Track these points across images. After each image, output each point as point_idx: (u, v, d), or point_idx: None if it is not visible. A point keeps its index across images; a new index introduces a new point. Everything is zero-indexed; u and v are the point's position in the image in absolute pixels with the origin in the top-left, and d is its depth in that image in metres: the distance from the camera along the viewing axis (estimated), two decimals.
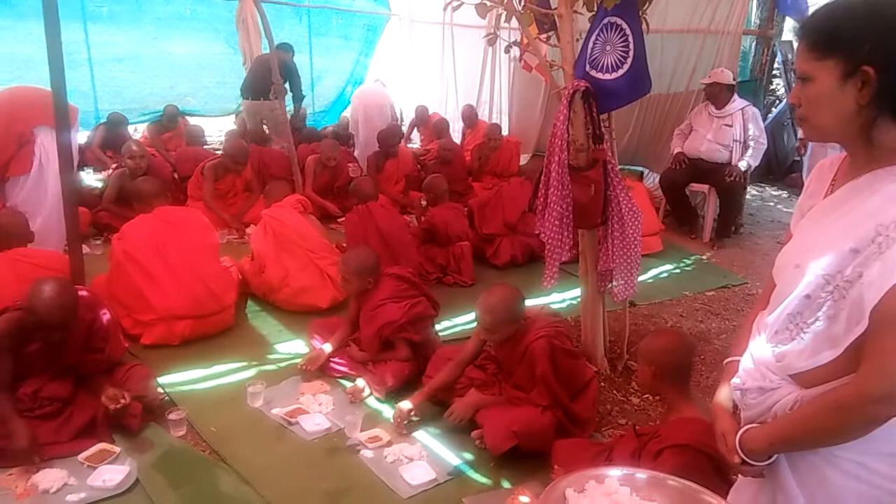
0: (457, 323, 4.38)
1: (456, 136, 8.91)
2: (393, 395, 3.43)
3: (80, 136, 6.67)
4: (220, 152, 6.80)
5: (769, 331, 1.49)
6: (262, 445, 3.06)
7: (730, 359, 1.70)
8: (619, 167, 3.58)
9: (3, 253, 3.62)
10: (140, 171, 5.58)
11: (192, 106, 9.27)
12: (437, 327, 4.04)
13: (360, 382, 3.50)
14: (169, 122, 8.18)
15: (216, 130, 9.83)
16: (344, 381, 3.60)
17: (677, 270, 5.70)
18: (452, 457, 2.99)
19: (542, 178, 3.46)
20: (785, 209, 8.06)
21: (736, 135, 6.14)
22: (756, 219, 7.50)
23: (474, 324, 3.31)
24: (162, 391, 3.41)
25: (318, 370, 3.63)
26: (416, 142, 9.70)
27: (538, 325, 3.12)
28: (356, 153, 8.05)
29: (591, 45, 3.33)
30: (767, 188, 9.06)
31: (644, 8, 3.41)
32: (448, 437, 3.12)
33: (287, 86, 6.87)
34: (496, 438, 2.91)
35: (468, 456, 3.01)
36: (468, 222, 5.58)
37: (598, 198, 3.41)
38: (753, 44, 7.15)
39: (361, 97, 8.64)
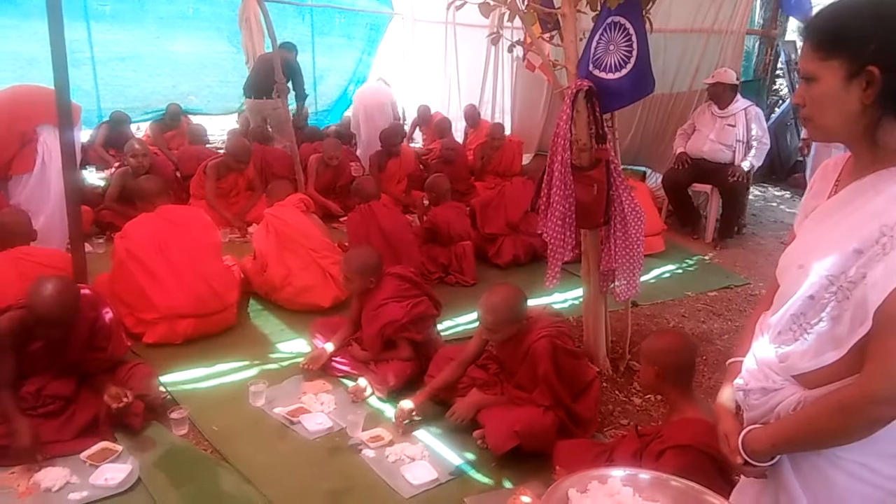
0: (459, 323, 4.38)
1: (458, 136, 8.91)
2: (395, 395, 3.43)
3: (83, 135, 6.68)
4: (222, 151, 6.81)
5: (772, 331, 1.49)
6: (264, 445, 3.06)
7: (732, 359, 1.70)
8: (622, 167, 3.57)
9: (5, 251, 3.63)
10: (143, 170, 5.59)
11: (195, 105, 9.29)
12: (439, 327, 4.04)
13: (362, 382, 3.50)
14: (171, 121, 8.19)
15: (219, 129, 9.84)
16: (346, 381, 3.60)
17: (679, 271, 5.69)
18: (454, 457, 2.99)
19: (545, 177, 3.45)
20: (788, 209, 8.04)
21: (739, 135, 6.13)
22: (759, 219, 7.49)
23: (476, 323, 3.30)
24: (164, 390, 3.41)
25: (320, 369, 3.63)
26: (418, 141, 9.70)
27: (540, 325, 3.12)
28: (358, 152, 8.06)
29: (594, 44, 3.33)
30: (770, 188, 9.05)
31: (647, 7, 3.41)
32: (450, 437, 3.12)
33: (290, 85, 6.87)
34: (498, 438, 2.91)
35: (470, 456, 3.01)
36: (470, 222, 5.58)
37: (601, 198, 3.40)
38: (757, 44, 7.14)
39: (362, 96, 8.63)
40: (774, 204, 8.38)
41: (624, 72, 3.27)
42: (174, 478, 2.80)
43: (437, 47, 9.89)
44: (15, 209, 4.13)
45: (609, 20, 3.27)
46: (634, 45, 3.24)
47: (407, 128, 9.55)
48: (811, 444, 1.41)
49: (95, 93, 8.39)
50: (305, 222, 4.73)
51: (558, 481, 1.56)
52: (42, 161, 4.53)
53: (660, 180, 6.93)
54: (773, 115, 8.82)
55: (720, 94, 6.16)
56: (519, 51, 4.21)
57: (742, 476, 1.60)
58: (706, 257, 6.06)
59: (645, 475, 1.60)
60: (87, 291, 3.21)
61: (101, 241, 5.43)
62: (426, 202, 5.75)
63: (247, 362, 3.78)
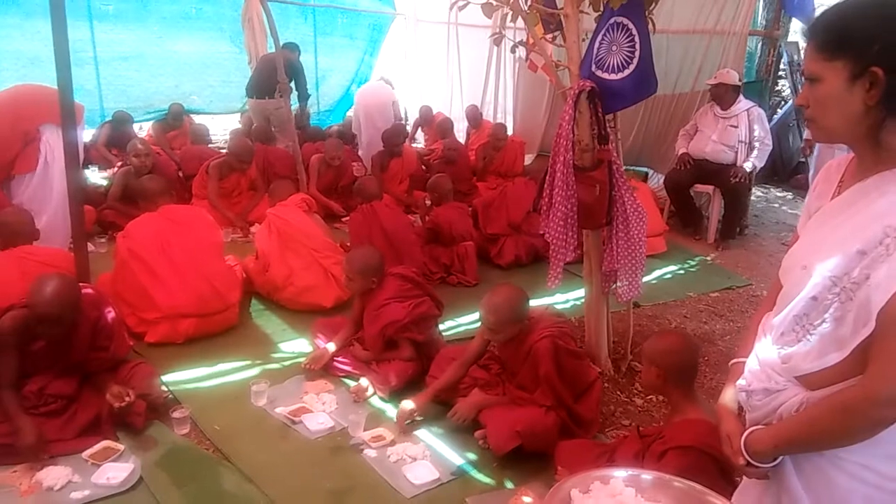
0: (460, 323, 4.38)
1: (460, 136, 8.92)
2: (396, 395, 3.43)
3: (86, 134, 6.69)
4: (224, 151, 6.81)
5: (775, 332, 1.49)
6: (266, 444, 3.06)
7: (735, 360, 1.70)
8: (624, 168, 3.57)
9: (8, 251, 3.64)
10: (145, 170, 5.59)
11: (198, 104, 9.30)
12: (441, 327, 4.04)
13: (364, 382, 3.50)
14: (174, 121, 8.20)
15: (221, 129, 9.84)
16: (347, 381, 3.61)
17: (681, 271, 5.69)
18: (456, 457, 2.99)
19: (547, 178, 3.45)
20: (790, 210, 8.04)
21: (741, 136, 6.12)
22: (761, 220, 7.48)
23: (478, 324, 3.30)
24: (166, 389, 3.41)
25: (321, 369, 3.63)
26: (420, 141, 9.70)
27: (542, 325, 3.12)
28: (360, 152, 8.06)
29: (596, 45, 3.32)
30: (772, 189, 9.04)
31: (650, 8, 3.41)
32: (451, 437, 3.12)
33: (292, 85, 6.87)
34: (499, 438, 2.91)
35: (471, 456, 3.01)
36: (472, 222, 5.58)
37: (603, 198, 3.40)
38: (759, 45, 7.14)
39: (363, 96, 8.64)
40: (776, 205, 8.37)
41: (626, 72, 3.27)
42: (176, 477, 2.80)
43: (439, 48, 9.89)
44: (18, 208, 4.14)
45: (612, 21, 3.27)
46: (637, 46, 3.24)
47: (409, 128, 9.55)
48: (813, 445, 1.40)
49: (98, 92, 8.40)
50: (308, 222, 4.73)
51: (560, 482, 1.56)
52: (45, 160, 4.53)
53: (662, 181, 6.93)
54: (775, 116, 8.82)
55: (722, 95, 6.15)
56: (521, 51, 4.22)
57: (744, 477, 1.60)
58: (708, 258, 6.05)
59: (647, 476, 1.60)
60: (89, 291, 3.21)
61: (103, 240, 5.44)
62: (428, 202, 5.76)
63: (248, 362, 3.79)
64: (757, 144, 6.12)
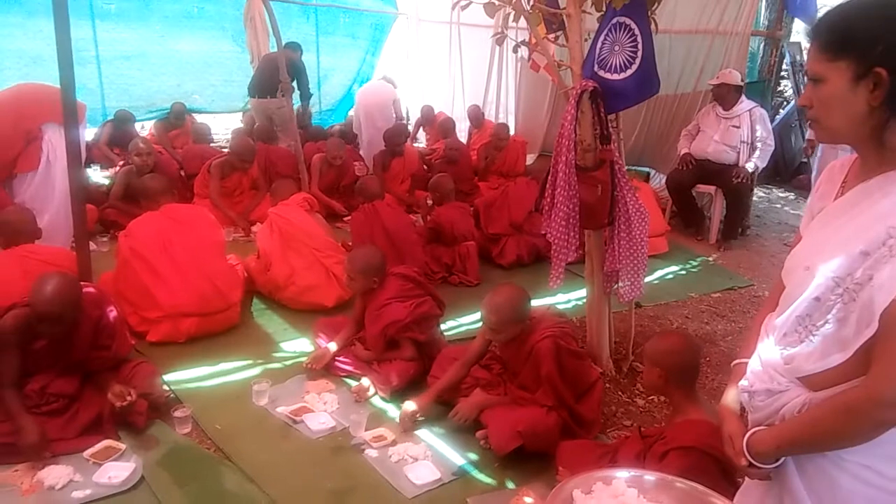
0: (462, 323, 4.38)
1: (462, 136, 8.92)
2: (398, 395, 3.43)
3: (88, 133, 6.69)
4: (226, 150, 6.82)
5: (778, 333, 1.49)
6: (267, 443, 3.07)
7: (737, 361, 1.69)
8: (626, 168, 3.57)
9: (10, 249, 3.65)
10: (147, 169, 5.60)
11: (199, 104, 9.31)
12: (443, 327, 4.04)
13: (365, 381, 3.50)
14: (176, 120, 8.21)
15: (223, 128, 9.85)
16: (349, 380, 3.61)
17: (683, 272, 5.69)
18: (457, 457, 2.99)
19: (549, 178, 3.45)
20: (792, 211, 8.03)
21: (743, 136, 6.12)
22: (763, 220, 7.48)
23: (480, 323, 3.30)
24: (167, 388, 3.41)
25: (323, 369, 3.63)
26: (421, 141, 9.70)
27: (544, 325, 3.12)
28: (361, 152, 8.06)
29: (599, 44, 3.32)
30: (774, 190, 9.04)
31: (653, 8, 3.41)
32: (453, 437, 3.12)
33: (294, 84, 6.87)
34: (501, 438, 2.91)
35: (473, 456, 3.01)
36: (474, 222, 5.58)
37: (605, 198, 3.40)
38: (762, 45, 7.13)
39: (363, 95, 8.64)
40: (778, 205, 8.37)
41: (629, 72, 3.27)
42: (177, 476, 2.81)
43: (441, 47, 9.88)
44: (20, 207, 4.14)
45: (614, 21, 3.26)
46: (639, 46, 3.23)
47: (411, 127, 9.55)
48: (816, 446, 1.40)
49: (100, 91, 8.41)
50: (309, 221, 4.73)
51: (563, 482, 1.56)
52: (47, 159, 4.53)
53: (664, 181, 6.92)
54: (777, 117, 8.80)
55: (725, 96, 6.15)
56: (524, 51, 4.22)
57: (746, 478, 1.60)
58: (710, 258, 6.05)
59: (650, 476, 1.60)
60: (91, 290, 3.22)
61: (105, 239, 5.44)
62: (430, 202, 5.76)
63: (250, 361, 3.79)
64: (759, 145, 6.11)
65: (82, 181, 3.98)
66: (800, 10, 6.46)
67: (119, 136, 7.52)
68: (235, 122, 9.43)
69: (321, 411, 3.28)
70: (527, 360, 3.08)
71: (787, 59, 8.01)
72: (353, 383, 3.55)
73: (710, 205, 6.60)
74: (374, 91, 8.74)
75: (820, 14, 1.44)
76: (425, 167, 7.65)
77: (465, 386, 3.32)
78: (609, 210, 3.43)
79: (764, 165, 6.30)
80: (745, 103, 6.15)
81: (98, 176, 7.01)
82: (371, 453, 3.00)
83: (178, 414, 3.10)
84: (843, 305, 1.33)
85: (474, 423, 3.12)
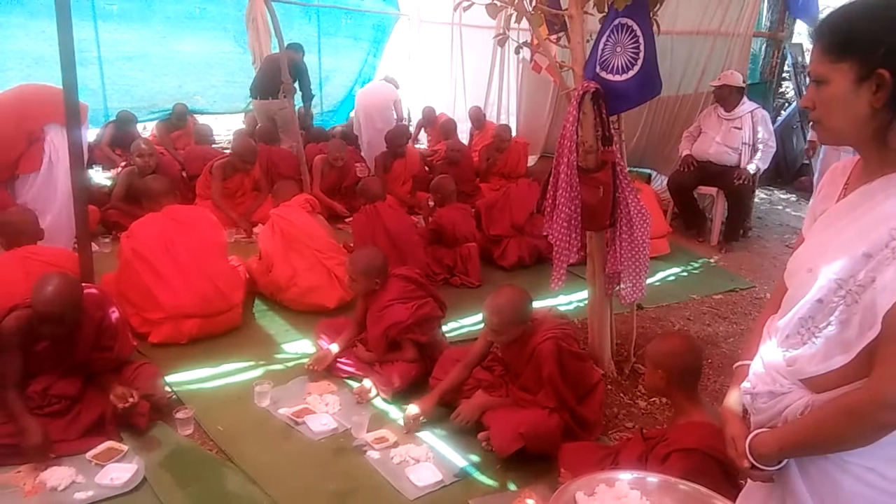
0: (464, 324, 4.38)
1: (463, 137, 8.91)
2: (399, 396, 3.43)
3: (89, 134, 6.69)
4: (228, 151, 6.82)
5: (780, 335, 1.48)
6: (269, 445, 3.07)
7: (740, 363, 1.69)
8: (628, 169, 3.57)
9: (12, 250, 3.65)
10: (149, 170, 5.60)
11: (201, 105, 9.30)
12: (444, 328, 4.04)
13: (367, 383, 3.50)
14: (178, 121, 8.21)
15: (225, 129, 9.86)
16: (351, 382, 3.61)
17: (685, 273, 5.68)
18: (459, 458, 2.99)
19: (551, 179, 3.45)
20: (793, 213, 8.03)
21: (745, 137, 6.11)
22: (764, 222, 7.47)
23: (481, 325, 3.30)
24: (169, 390, 3.42)
25: (324, 370, 3.63)
26: (423, 142, 9.71)
27: (545, 326, 3.12)
28: (363, 153, 8.06)
29: (601, 46, 3.32)
30: (776, 191, 9.03)
31: (655, 9, 3.41)
32: (454, 439, 3.12)
33: (296, 85, 6.87)
34: (503, 440, 2.91)
35: (474, 458, 3.01)
36: (475, 223, 5.57)
37: (607, 200, 3.40)
38: (764, 46, 7.12)
39: (363, 97, 8.64)
40: (780, 207, 8.36)
41: (631, 74, 3.27)
42: (179, 478, 2.81)
43: (443, 49, 9.88)
44: (22, 208, 4.14)
45: (616, 22, 3.26)
46: (641, 47, 3.23)
47: (412, 129, 9.55)
48: (819, 448, 1.40)
49: (102, 92, 8.41)
50: (311, 223, 4.73)
51: (566, 484, 1.56)
52: (49, 160, 4.53)
53: (665, 183, 6.92)
54: (779, 118, 8.80)
55: (726, 97, 6.14)
56: (526, 52, 4.21)
57: (749, 480, 1.60)
58: (711, 260, 6.05)
59: (653, 479, 1.60)
60: (93, 291, 3.22)
61: (107, 240, 5.44)
62: (431, 203, 5.75)
63: (252, 363, 3.79)
64: (760, 146, 6.11)
65: (84, 182, 3.98)
66: (801, 11, 6.46)
67: (121, 137, 7.52)
68: (237, 123, 9.43)
69: (323, 413, 3.28)
70: (528, 361, 3.08)
71: (788, 61, 8.00)
72: (355, 385, 3.54)
73: (712, 206, 6.60)
74: (373, 92, 8.74)
75: (822, 16, 1.44)
76: (427, 168, 7.65)
77: (466, 387, 3.31)
78: (611, 211, 3.43)
79: (765, 167, 6.30)
80: (746, 105, 6.15)
81: (100, 177, 7.01)
82: (373, 455, 3.00)
83: (180, 415, 3.10)
84: (845, 307, 1.33)
85: (476, 424, 3.12)
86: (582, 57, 3.39)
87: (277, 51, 6.55)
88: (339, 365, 3.67)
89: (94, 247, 4.53)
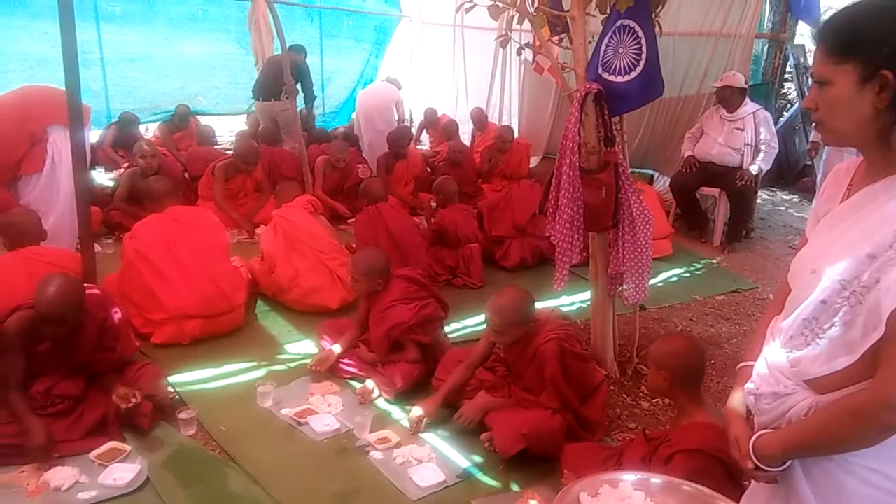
0: (466, 325, 4.38)
1: (465, 138, 8.91)
2: (402, 397, 3.43)
3: (92, 136, 6.70)
4: (230, 152, 6.83)
5: (784, 336, 1.48)
6: (272, 445, 3.07)
7: (743, 364, 1.69)
8: (630, 170, 3.57)
9: (15, 251, 3.65)
10: (151, 171, 5.61)
11: (204, 106, 9.31)
12: (447, 329, 4.04)
13: (370, 384, 3.50)
14: (180, 122, 8.22)
15: (227, 130, 9.87)
16: (353, 382, 3.61)
17: (687, 274, 5.68)
18: (461, 459, 2.99)
19: (553, 180, 3.45)
20: (796, 213, 8.02)
21: (747, 138, 6.11)
22: (767, 223, 7.47)
23: (484, 326, 3.30)
24: (172, 390, 3.42)
25: (327, 371, 3.63)
26: (425, 143, 9.71)
27: (548, 327, 3.12)
28: (364, 154, 8.06)
29: (603, 47, 3.33)
30: (778, 192, 9.02)
31: (657, 10, 3.41)
32: (457, 440, 3.12)
33: (298, 86, 6.88)
34: (505, 441, 2.91)
35: (477, 458, 3.01)
36: (478, 224, 5.57)
37: (609, 201, 3.40)
38: (766, 47, 7.12)
39: (363, 98, 8.64)
40: (783, 208, 8.35)
41: (633, 75, 3.27)
42: (182, 478, 2.81)
43: (445, 50, 9.89)
44: (25, 209, 4.14)
45: (618, 23, 3.27)
46: (644, 49, 3.23)
47: (414, 130, 9.56)
48: (823, 449, 1.40)
49: (105, 93, 8.43)
50: (313, 224, 4.74)
51: (569, 485, 1.56)
52: (52, 161, 4.54)
53: (668, 184, 6.92)
54: (781, 119, 8.78)
55: (729, 98, 6.14)
56: (528, 54, 4.21)
57: (752, 481, 1.60)
58: (714, 261, 6.04)
59: (656, 479, 1.60)
60: (96, 291, 3.22)
61: (110, 241, 5.45)
62: (433, 204, 5.76)
63: (254, 363, 3.79)
64: (763, 147, 6.10)
65: (87, 183, 3.99)
66: (803, 12, 6.46)
67: (123, 138, 7.53)
68: (239, 124, 9.44)
69: (326, 413, 3.28)
70: (531, 362, 3.08)
71: (790, 62, 7.99)
72: (358, 385, 3.55)
73: (714, 207, 6.59)
74: (374, 93, 8.74)
75: (824, 17, 1.44)
76: (429, 169, 7.64)
77: (469, 388, 3.32)
78: (613, 212, 3.43)
79: (768, 168, 6.29)
80: (748, 106, 6.15)
81: (103, 178, 7.02)
82: (375, 455, 3.00)
83: (182, 416, 3.11)
84: (849, 308, 1.33)
85: (479, 425, 3.12)
86: (584, 58, 3.39)
87: (280, 52, 6.56)
88: (341, 365, 3.67)
89: (97, 248, 4.54)
